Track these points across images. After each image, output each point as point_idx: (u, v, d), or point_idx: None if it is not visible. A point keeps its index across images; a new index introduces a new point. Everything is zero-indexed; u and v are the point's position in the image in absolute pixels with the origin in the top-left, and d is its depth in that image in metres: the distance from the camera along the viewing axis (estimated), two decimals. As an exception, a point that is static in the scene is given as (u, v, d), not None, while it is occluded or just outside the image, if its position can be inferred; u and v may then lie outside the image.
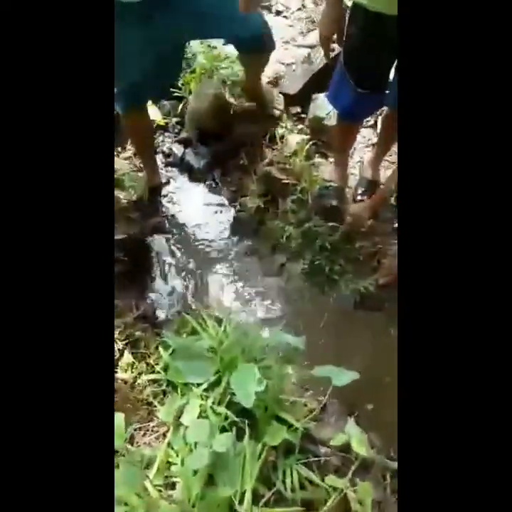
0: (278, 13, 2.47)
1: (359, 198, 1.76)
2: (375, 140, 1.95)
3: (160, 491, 0.85)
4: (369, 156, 1.83)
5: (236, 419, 1.01)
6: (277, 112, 1.96)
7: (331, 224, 1.72)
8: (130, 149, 1.93)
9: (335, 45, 1.80)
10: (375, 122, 2.00)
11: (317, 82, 1.98)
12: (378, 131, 1.91)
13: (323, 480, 1.01)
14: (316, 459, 1.09)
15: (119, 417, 0.78)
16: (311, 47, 2.18)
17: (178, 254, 1.72)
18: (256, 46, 1.60)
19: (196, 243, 1.77)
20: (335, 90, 1.46)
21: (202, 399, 1.04)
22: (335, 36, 1.27)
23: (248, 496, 0.89)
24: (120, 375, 1.11)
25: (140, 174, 1.82)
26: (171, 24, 1.32)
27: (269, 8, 2.46)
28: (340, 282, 1.60)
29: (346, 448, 1.09)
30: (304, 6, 2.46)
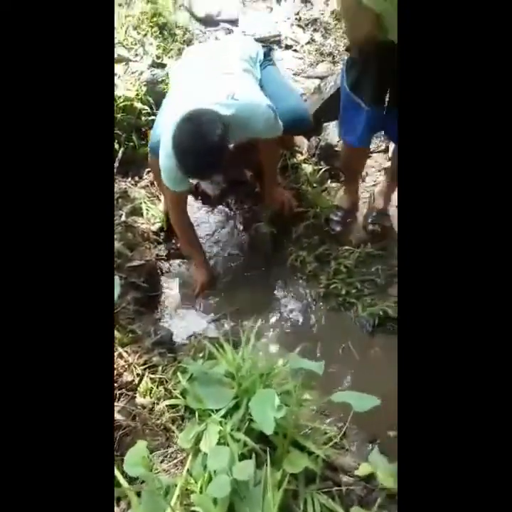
0: (287, 47, 2.58)
1: (370, 227, 1.77)
2: (386, 165, 1.98)
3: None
4: (380, 187, 1.85)
5: (255, 446, 1.00)
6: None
7: (345, 247, 1.73)
8: (146, 178, 1.99)
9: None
10: (387, 148, 2.03)
11: (327, 111, 2.04)
12: (389, 162, 1.93)
13: (347, 511, 0.98)
14: (339, 488, 1.06)
15: (141, 445, 0.78)
16: (321, 77, 2.26)
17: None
18: (303, 126, 1.64)
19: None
20: (343, 118, 1.49)
21: (221, 425, 1.02)
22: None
23: (270, 527, 0.87)
24: (139, 400, 1.11)
25: (157, 202, 1.87)
26: None
27: (278, 43, 2.57)
28: (357, 305, 1.59)
29: (370, 477, 1.06)
30: (313, 40, 2.57)
